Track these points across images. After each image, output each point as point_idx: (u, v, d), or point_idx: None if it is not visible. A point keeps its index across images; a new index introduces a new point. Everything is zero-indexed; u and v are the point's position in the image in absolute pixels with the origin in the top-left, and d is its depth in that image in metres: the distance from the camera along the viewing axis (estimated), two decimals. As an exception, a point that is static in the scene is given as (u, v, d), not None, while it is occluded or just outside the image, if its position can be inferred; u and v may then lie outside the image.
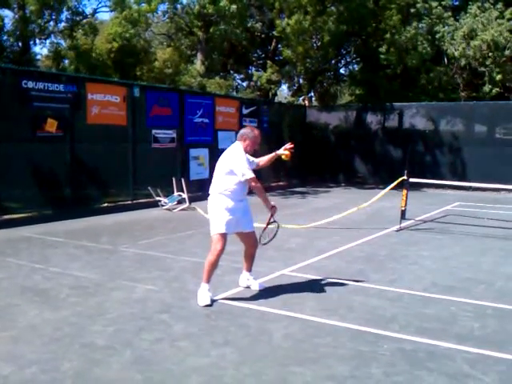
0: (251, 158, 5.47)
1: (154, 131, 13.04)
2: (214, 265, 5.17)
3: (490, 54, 17.27)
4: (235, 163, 5.17)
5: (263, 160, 5.61)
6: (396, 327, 4.57)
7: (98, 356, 3.91)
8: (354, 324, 4.62)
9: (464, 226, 9.71)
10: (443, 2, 18.34)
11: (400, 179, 9.88)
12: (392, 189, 10.08)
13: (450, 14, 18.30)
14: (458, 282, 6.08)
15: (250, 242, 5.45)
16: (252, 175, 5.16)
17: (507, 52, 17.12)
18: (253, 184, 5.18)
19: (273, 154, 5.61)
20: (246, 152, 5.32)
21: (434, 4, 18.19)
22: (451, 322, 4.74)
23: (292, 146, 5.56)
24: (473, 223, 9.99)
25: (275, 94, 23.79)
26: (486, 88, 17.67)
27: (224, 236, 5.14)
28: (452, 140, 17.63)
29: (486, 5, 17.88)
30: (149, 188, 12.06)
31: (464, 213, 11.55)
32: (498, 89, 17.61)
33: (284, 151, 5.54)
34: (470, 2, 18.22)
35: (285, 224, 9.66)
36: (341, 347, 4.13)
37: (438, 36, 17.92)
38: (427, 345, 4.20)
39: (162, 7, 19.82)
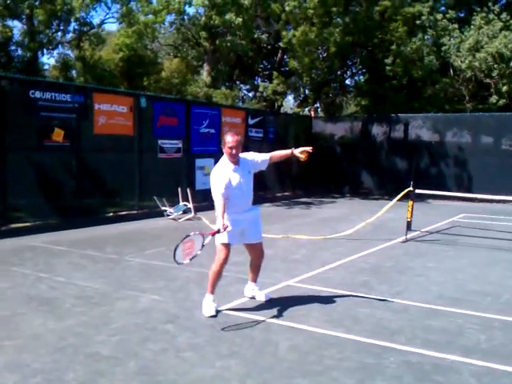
0: (260, 158, 5.29)
1: (160, 141, 13.10)
2: (218, 275, 5.15)
3: (496, 65, 17.28)
4: (211, 184, 5.05)
5: (276, 155, 5.40)
6: (402, 339, 4.55)
7: (103, 366, 3.90)
8: (359, 336, 4.59)
9: (470, 238, 9.66)
10: (447, 15, 18.39)
11: (406, 190, 9.86)
12: (398, 200, 10.07)
13: (455, 26, 18.35)
14: (464, 294, 6.04)
15: (257, 253, 5.42)
16: (216, 198, 4.96)
17: None
18: (215, 203, 5.00)
19: (289, 152, 5.38)
20: (231, 160, 5.09)
21: (439, 16, 18.25)
22: (457, 334, 4.71)
23: (311, 149, 5.31)
24: (479, 235, 9.94)
25: (281, 105, 23.84)
26: (493, 99, 17.64)
27: (227, 246, 5.09)
28: (458, 151, 17.59)
29: (491, 16, 17.91)
30: (154, 198, 12.08)
31: (470, 224, 11.50)
32: (504, 100, 17.59)
33: (301, 154, 5.28)
34: (475, 13, 18.26)
35: (291, 234, 9.68)
36: (346, 359, 4.11)
37: (443, 48, 17.97)
38: (433, 357, 4.17)
39: (169, 18, 19.99)
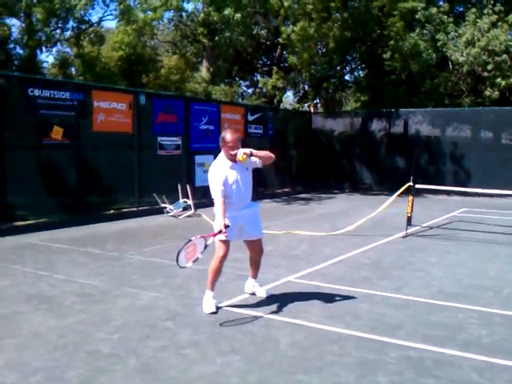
0: (253, 159, 5.14)
1: (159, 138, 13.09)
2: (218, 271, 5.13)
3: (490, 59, 17.23)
4: (209, 182, 5.03)
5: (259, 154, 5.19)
6: (402, 335, 4.54)
7: (103, 364, 3.89)
8: (360, 331, 4.58)
9: (470, 232, 9.65)
10: (441, 8, 18.30)
11: (406, 185, 9.85)
12: (398, 195, 10.06)
13: (451, 20, 18.29)
14: (464, 288, 6.03)
15: (256, 250, 5.40)
16: (215, 197, 4.93)
17: (504, 56, 17.03)
18: (214, 202, 4.99)
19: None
20: (229, 157, 5.04)
21: (434, 10, 18.14)
22: (458, 329, 4.70)
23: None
24: (479, 229, 9.94)
25: (280, 101, 23.79)
26: (487, 92, 17.61)
27: (226, 242, 5.05)
28: (457, 146, 17.57)
29: (485, 10, 17.84)
30: (154, 195, 12.07)
31: (470, 219, 11.48)
32: (498, 93, 17.53)
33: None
34: (469, 5, 18.21)
35: (291, 230, 9.67)
36: (347, 355, 4.10)
37: (439, 44, 17.93)
38: (434, 352, 4.16)
39: (168, 15, 19.93)
